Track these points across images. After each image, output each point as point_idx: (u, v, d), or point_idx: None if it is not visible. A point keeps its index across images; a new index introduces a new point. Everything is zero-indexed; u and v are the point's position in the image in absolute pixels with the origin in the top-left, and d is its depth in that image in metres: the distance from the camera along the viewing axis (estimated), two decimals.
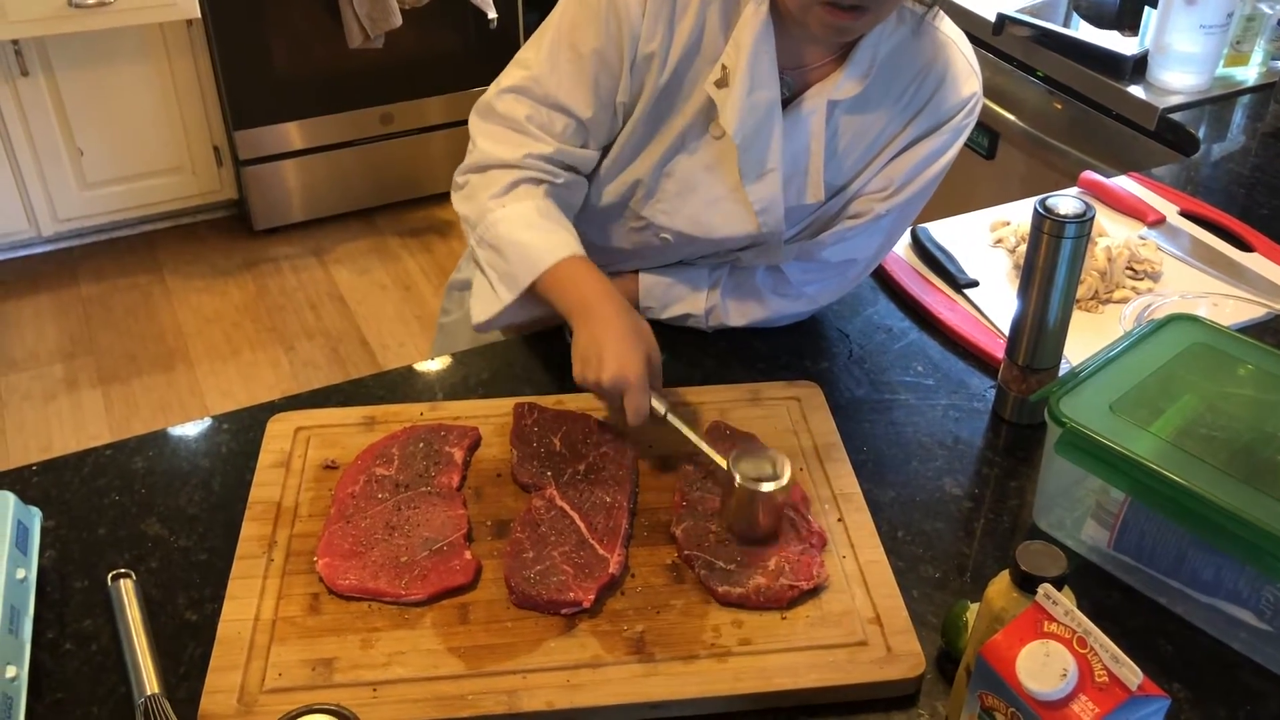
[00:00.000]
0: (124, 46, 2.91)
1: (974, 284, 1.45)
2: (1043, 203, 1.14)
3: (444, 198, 3.44)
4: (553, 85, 1.21)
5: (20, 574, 0.98)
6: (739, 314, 1.34)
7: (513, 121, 1.22)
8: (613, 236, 1.33)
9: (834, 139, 1.23)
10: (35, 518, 1.06)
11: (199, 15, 2.77)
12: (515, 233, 1.19)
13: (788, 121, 1.21)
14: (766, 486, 1.03)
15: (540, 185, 1.22)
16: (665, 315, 1.35)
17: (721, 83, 1.18)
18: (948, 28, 1.24)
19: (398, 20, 2.99)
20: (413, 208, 3.44)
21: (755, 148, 1.21)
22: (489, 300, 1.21)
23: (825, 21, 1.10)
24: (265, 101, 3.10)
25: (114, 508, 1.13)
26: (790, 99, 1.22)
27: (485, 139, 1.24)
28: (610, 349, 1.11)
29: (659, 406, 1.13)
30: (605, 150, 1.28)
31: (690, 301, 1.34)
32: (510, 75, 1.24)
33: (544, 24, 1.24)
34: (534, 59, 1.22)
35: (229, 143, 3.16)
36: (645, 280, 1.35)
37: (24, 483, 1.15)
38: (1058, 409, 1.04)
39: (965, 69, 1.23)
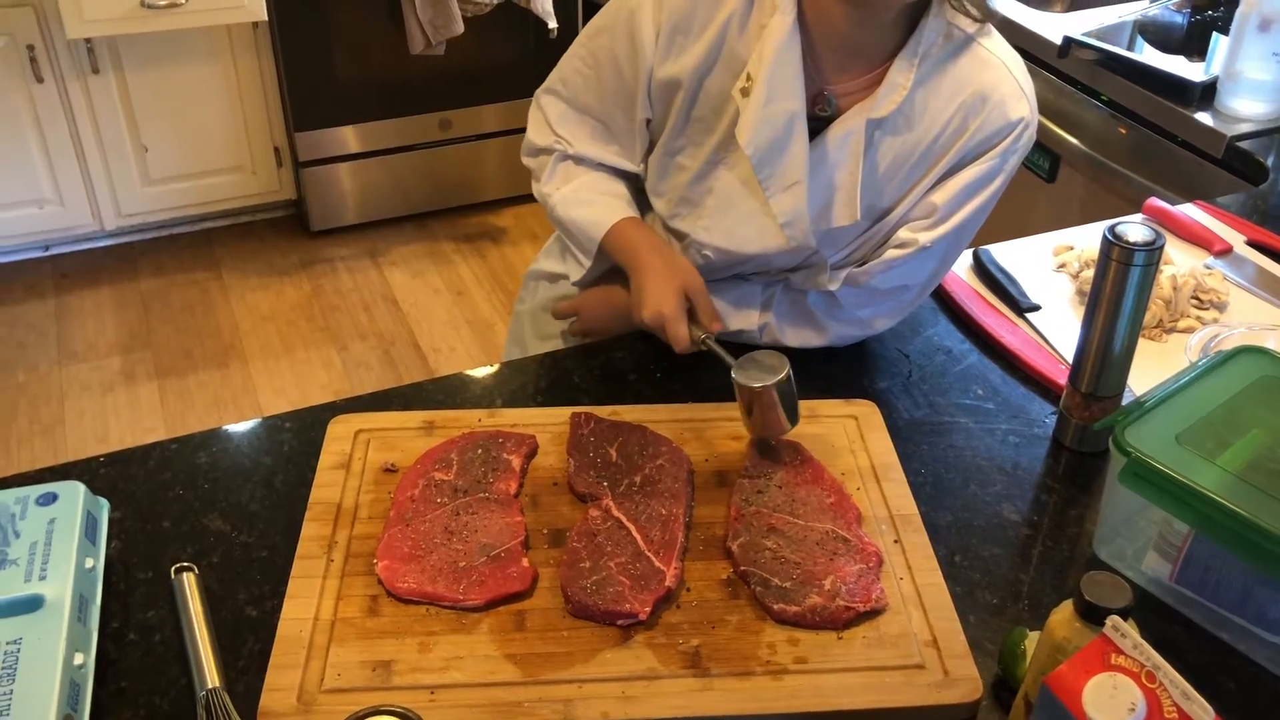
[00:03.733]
0: (192, 46, 2.96)
1: (1036, 308, 1.44)
2: (1112, 229, 1.13)
3: (499, 204, 3.46)
4: (577, 88, 1.31)
5: (89, 563, 1.00)
6: (794, 335, 1.33)
7: (546, 120, 1.34)
8: None
9: (874, 160, 1.21)
10: (104, 509, 1.08)
11: (265, 18, 2.81)
12: (570, 211, 1.31)
13: (825, 140, 1.20)
14: (757, 383, 1.12)
15: (580, 164, 1.33)
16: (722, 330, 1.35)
17: (746, 91, 1.18)
18: (998, 48, 1.20)
19: (460, 28, 3.02)
20: (468, 213, 3.46)
21: (775, 160, 1.20)
22: (576, 266, 1.36)
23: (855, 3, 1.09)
24: (326, 104, 3.14)
25: (178, 501, 1.14)
26: (829, 117, 1.21)
27: (532, 126, 1.36)
28: (648, 289, 1.23)
29: (697, 334, 1.21)
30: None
31: (743, 318, 1.33)
32: (554, 73, 1.34)
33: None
34: (565, 59, 1.32)
35: (289, 144, 3.20)
36: None
37: (92, 473, 1.17)
38: (1123, 438, 1.02)
39: (1014, 92, 1.19)
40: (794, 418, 1.16)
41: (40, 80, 2.86)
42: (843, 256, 1.28)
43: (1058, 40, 2.12)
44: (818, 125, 1.21)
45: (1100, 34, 2.15)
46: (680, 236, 1.32)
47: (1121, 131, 2.08)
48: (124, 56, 2.91)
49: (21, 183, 2.99)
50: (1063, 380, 1.28)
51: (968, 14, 1.17)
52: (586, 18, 3.36)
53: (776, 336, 1.33)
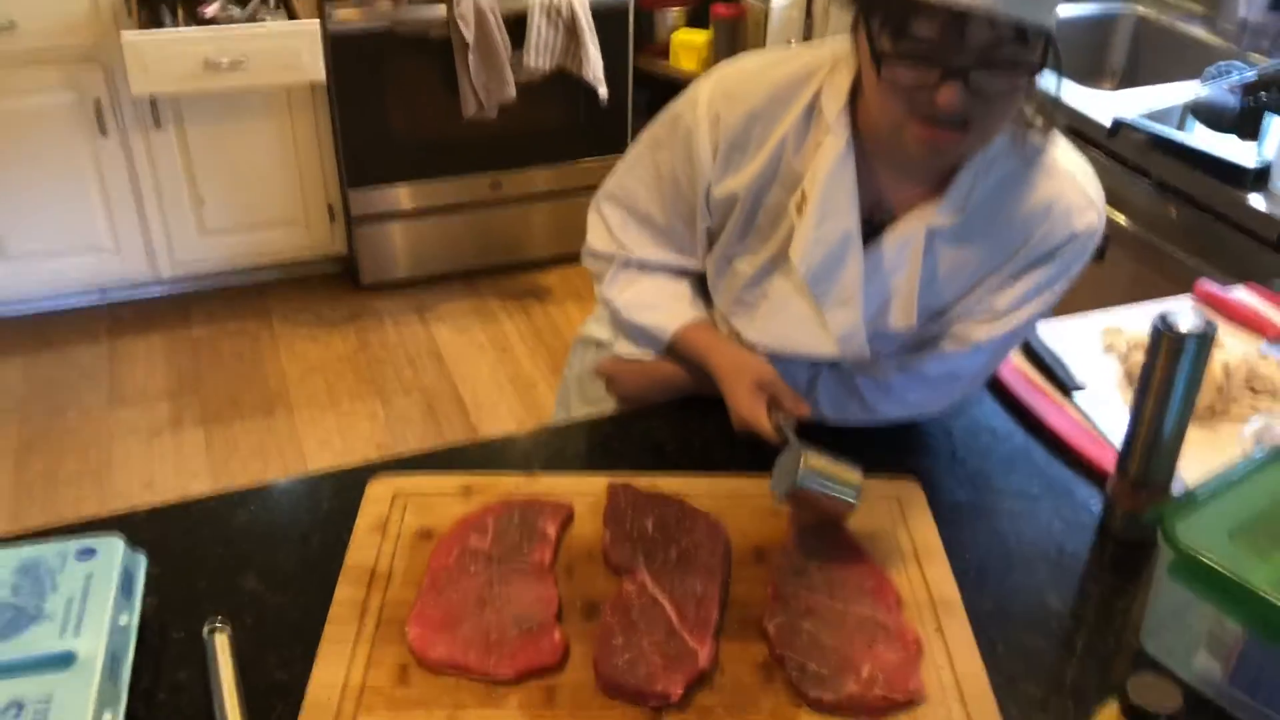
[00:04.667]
0: (251, 104, 3.03)
1: (1082, 389, 1.42)
2: (1163, 318, 1.11)
3: (546, 264, 3.49)
4: (639, 196, 1.33)
5: (123, 620, 1.00)
6: (837, 412, 1.32)
7: (607, 226, 1.36)
8: None
9: (933, 267, 1.20)
10: (141, 564, 1.09)
11: (323, 79, 2.87)
12: (635, 316, 1.34)
13: (884, 245, 1.20)
14: (779, 489, 1.13)
15: (641, 269, 1.35)
16: None
17: (801, 208, 1.19)
18: (1065, 156, 1.19)
19: (512, 93, 3.07)
20: (515, 272, 3.49)
21: (829, 278, 1.20)
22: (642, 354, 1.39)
23: (921, 139, 1.07)
24: (380, 163, 3.20)
25: (214, 559, 1.15)
26: (887, 221, 1.20)
27: (592, 232, 1.39)
28: (729, 397, 1.26)
29: (777, 420, 1.21)
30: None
31: None
32: (612, 176, 1.36)
33: (647, 126, 1.32)
34: (625, 164, 1.35)
35: (343, 200, 3.26)
36: None
37: (133, 527, 1.17)
38: (1173, 532, 1.00)
39: (1081, 202, 1.18)
40: (845, 498, 1.14)
41: (105, 134, 2.94)
42: (895, 348, 1.28)
43: (1107, 121, 2.12)
44: (876, 228, 1.21)
45: (1151, 115, 2.14)
46: (734, 333, 1.32)
47: (1172, 212, 2.06)
48: (186, 112, 2.99)
49: (82, 231, 3.06)
50: (1110, 465, 1.26)
51: (1028, 122, 1.15)
52: (637, 86, 3.41)
53: (822, 413, 1.32)
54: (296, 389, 2.98)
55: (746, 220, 1.26)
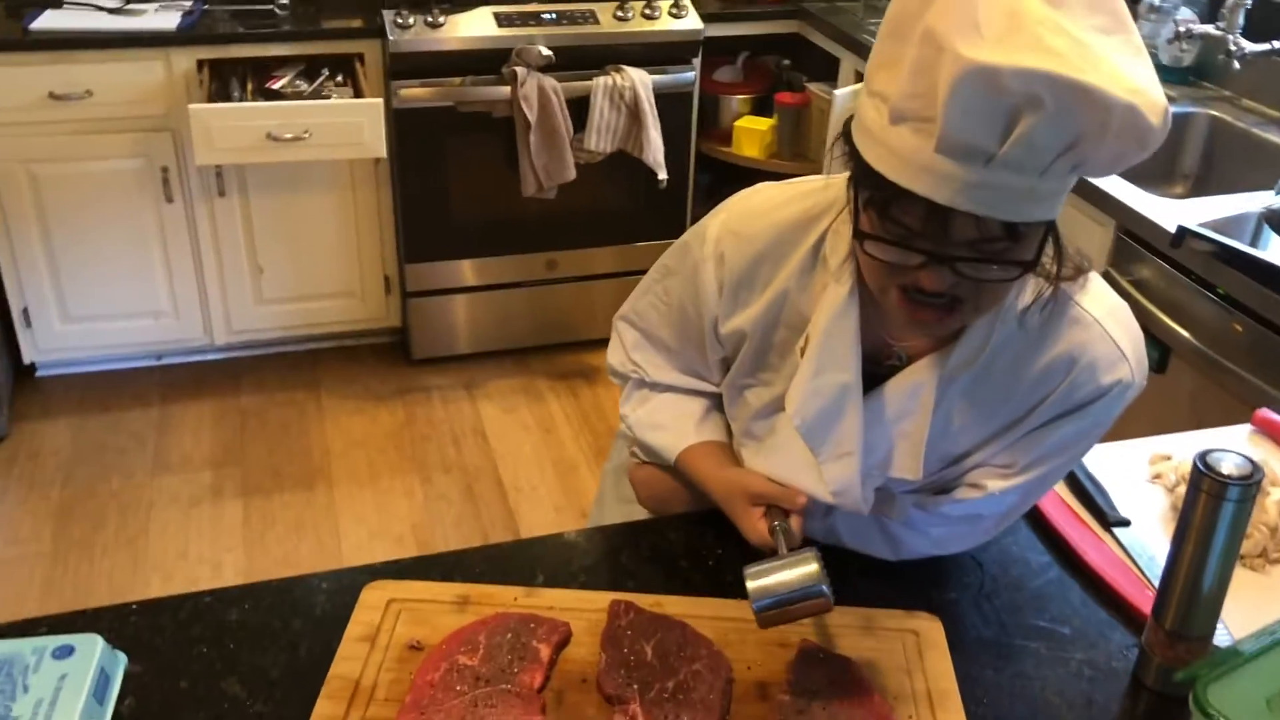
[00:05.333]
0: (313, 176, 3.07)
1: (1125, 523, 1.34)
2: (1203, 457, 1.04)
3: (596, 344, 3.47)
4: (651, 320, 1.34)
5: None
6: (859, 542, 1.25)
7: (623, 346, 1.38)
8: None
9: (946, 416, 1.14)
10: (120, 664, 1.06)
11: (385, 155, 2.91)
12: (645, 435, 1.34)
13: (893, 390, 1.14)
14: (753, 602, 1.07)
15: (657, 385, 1.35)
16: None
17: (805, 353, 1.15)
18: (1095, 304, 1.11)
19: (572, 174, 3.08)
20: (565, 351, 3.48)
21: (825, 430, 1.15)
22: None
23: (903, 313, 1.03)
24: (437, 239, 3.22)
25: (200, 660, 1.12)
26: (899, 365, 1.15)
27: (611, 348, 1.41)
28: (734, 523, 1.23)
29: (772, 521, 1.18)
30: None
31: (804, 523, 1.24)
32: (631, 297, 1.36)
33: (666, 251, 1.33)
34: (641, 286, 1.35)
35: (399, 273, 3.28)
36: None
37: (121, 621, 1.15)
38: (1205, 696, 0.92)
39: (1109, 354, 1.10)
40: (811, 597, 1.08)
41: (170, 200, 3.00)
42: (913, 488, 1.21)
43: (1172, 228, 2.04)
44: (886, 371, 1.16)
45: (1219, 225, 2.06)
46: (741, 462, 1.28)
47: (1237, 328, 1.97)
48: (250, 182, 3.04)
49: (142, 295, 3.11)
50: (1149, 608, 1.17)
51: (1050, 276, 1.07)
52: (699, 170, 3.41)
53: (838, 537, 1.26)
54: (338, 463, 2.98)
55: (756, 355, 1.23)
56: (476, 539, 2.71)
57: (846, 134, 1.01)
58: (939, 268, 0.96)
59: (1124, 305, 1.15)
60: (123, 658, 1.07)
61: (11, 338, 3.08)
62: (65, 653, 1.01)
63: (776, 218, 1.18)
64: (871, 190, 0.97)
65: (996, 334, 1.10)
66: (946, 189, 0.91)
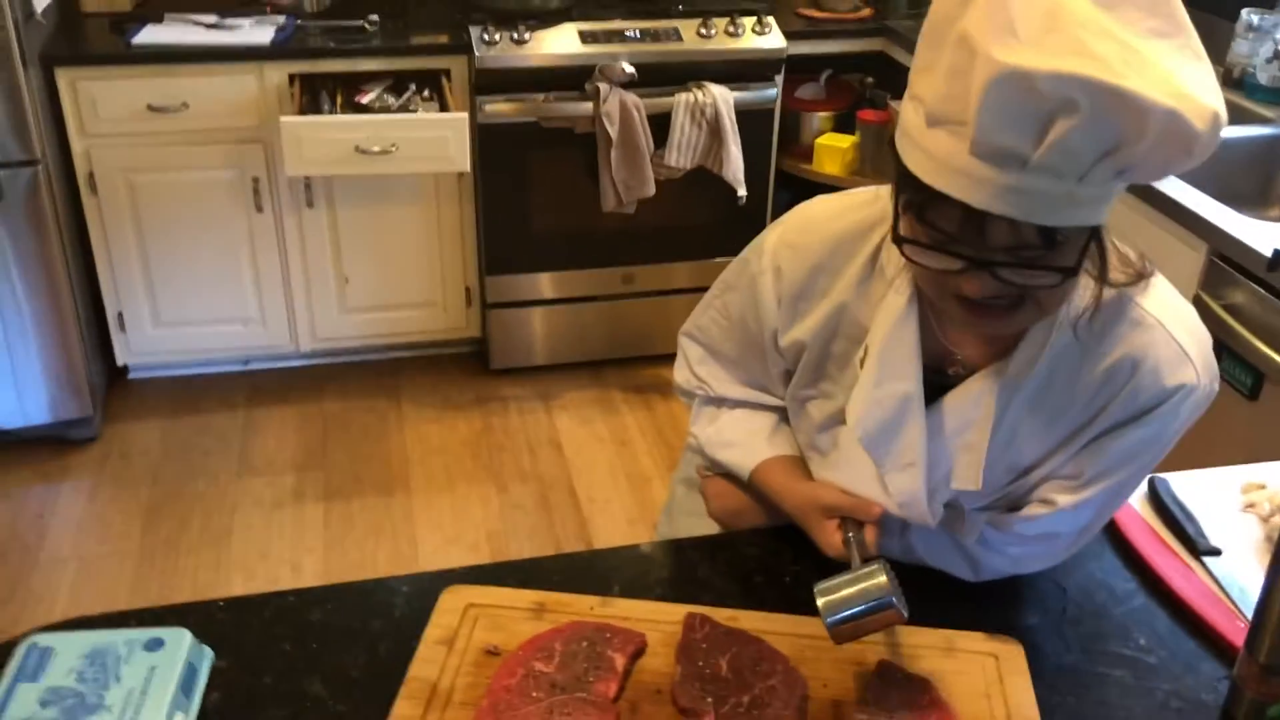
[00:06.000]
0: (398, 189, 3.13)
1: (1215, 552, 1.30)
2: None
3: (671, 358, 3.43)
4: (713, 335, 1.34)
5: (178, 718, 0.99)
6: (938, 561, 1.24)
7: (687, 361, 1.39)
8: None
9: (1010, 423, 1.12)
10: (207, 659, 1.09)
11: (469, 169, 2.95)
12: (717, 454, 1.35)
13: (955, 399, 1.13)
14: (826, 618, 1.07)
15: (724, 401, 1.36)
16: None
17: (865, 364, 1.14)
18: (1157, 305, 1.09)
19: (652, 190, 3.10)
20: (640, 365, 3.49)
21: (888, 442, 1.14)
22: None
23: (958, 318, 1.02)
24: (518, 251, 3.26)
25: (283, 658, 1.14)
26: (962, 375, 1.14)
27: (677, 364, 1.41)
28: (811, 537, 1.23)
29: (847, 533, 1.18)
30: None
31: (882, 539, 1.23)
32: (693, 315, 1.37)
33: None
34: (704, 301, 1.36)
35: (480, 285, 3.32)
36: None
37: (208, 618, 1.18)
38: None
39: (1173, 356, 1.07)
40: (847, 637, 1.09)
41: (260, 210, 3.08)
42: (983, 504, 1.20)
43: (1267, 251, 1.99)
44: (948, 382, 1.15)
45: None
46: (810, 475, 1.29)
47: None
48: (337, 194, 3.10)
49: (231, 301, 3.19)
50: (1240, 640, 1.14)
51: (1110, 283, 1.05)
52: (779, 188, 3.40)
53: (915, 552, 1.25)
54: (417, 470, 3.02)
55: (816, 367, 1.23)
56: (550, 548, 2.73)
57: (890, 139, 1.01)
58: (979, 273, 0.95)
59: (1190, 308, 1.12)
60: (209, 653, 1.10)
61: (106, 341, 3.18)
62: (155, 645, 1.04)
63: (832, 229, 1.19)
64: (910, 194, 0.97)
65: (1055, 338, 1.08)
66: (981, 193, 0.90)
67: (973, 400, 1.12)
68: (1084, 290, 1.06)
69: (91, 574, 2.62)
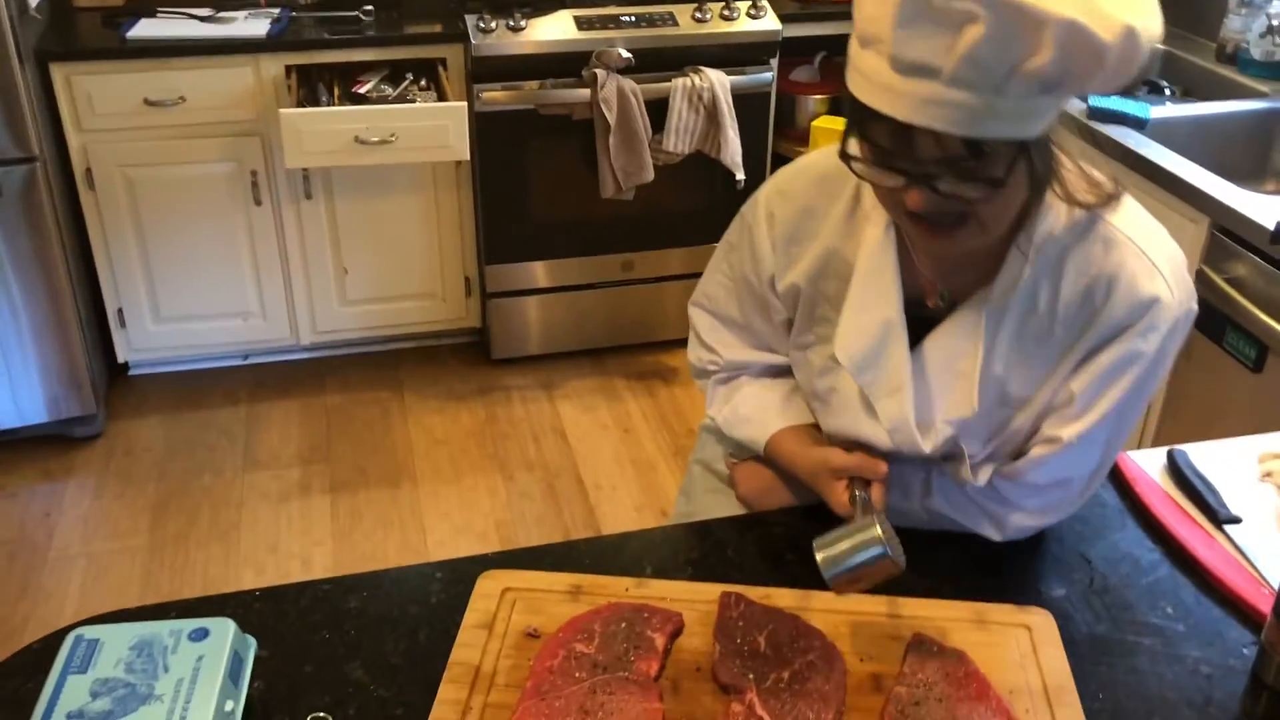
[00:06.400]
0: (396, 179, 3.13)
1: (1236, 520, 1.32)
2: None
3: (673, 344, 3.49)
4: (719, 299, 1.39)
5: (229, 706, 1.00)
6: (964, 523, 1.27)
7: (697, 333, 1.43)
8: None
9: (998, 349, 1.16)
10: (250, 648, 1.10)
11: (468, 158, 2.95)
12: (734, 432, 1.39)
13: (943, 332, 1.17)
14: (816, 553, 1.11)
15: (735, 380, 1.41)
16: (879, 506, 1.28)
17: (849, 293, 1.20)
18: (1128, 223, 1.13)
19: (650, 175, 3.10)
20: (642, 351, 3.50)
21: (874, 367, 1.19)
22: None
23: (914, 236, 1.10)
24: (517, 240, 3.26)
25: (323, 646, 1.15)
26: (948, 310, 1.18)
27: (690, 341, 1.46)
28: (824, 499, 1.26)
29: (856, 491, 1.21)
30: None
31: (902, 491, 1.28)
32: (700, 283, 1.42)
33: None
34: (707, 274, 1.41)
35: (479, 275, 3.32)
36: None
37: (245, 608, 1.19)
38: None
39: (1145, 269, 1.11)
40: (845, 587, 1.12)
41: (259, 203, 3.07)
42: (987, 451, 1.22)
43: (1269, 224, 2.01)
44: (937, 316, 1.19)
45: None
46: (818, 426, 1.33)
47: None
48: (335, 185, 3.10)
49: (231, 296, 3.19)
50: (1265, 606, 1.16)
51: (1077, 201, 1.11)
52: (774, 169, 3.40)
53: (945, 525, 1.27)
54: (422, 461, 3.02)
55: (811, 310, 1.28)
56: (558, 536, 2.74)
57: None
58: (920, 188, 1.00)
59: (1161, 227, 1.16)
60: (252, 641, 1.10)
61: (107, 338, 3.17)
62: (200, 635, 1.04)
63: (816, 172, 1.25)
64: (850, 113, 1.03)
65: (1032, 263, 1.12)
66: (904, 106, 0.96)
67: (961, 331, 1.17)
68: (1055, 212, 1.11)
69: (101, 570, 2.62)
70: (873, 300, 1.18)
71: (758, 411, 1.37)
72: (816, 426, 1.34)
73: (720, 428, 1.41)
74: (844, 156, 1.05)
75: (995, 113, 0.94)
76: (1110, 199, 1.12)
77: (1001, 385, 1.18)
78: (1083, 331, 1.14)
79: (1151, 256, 1.12)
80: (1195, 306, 1.16)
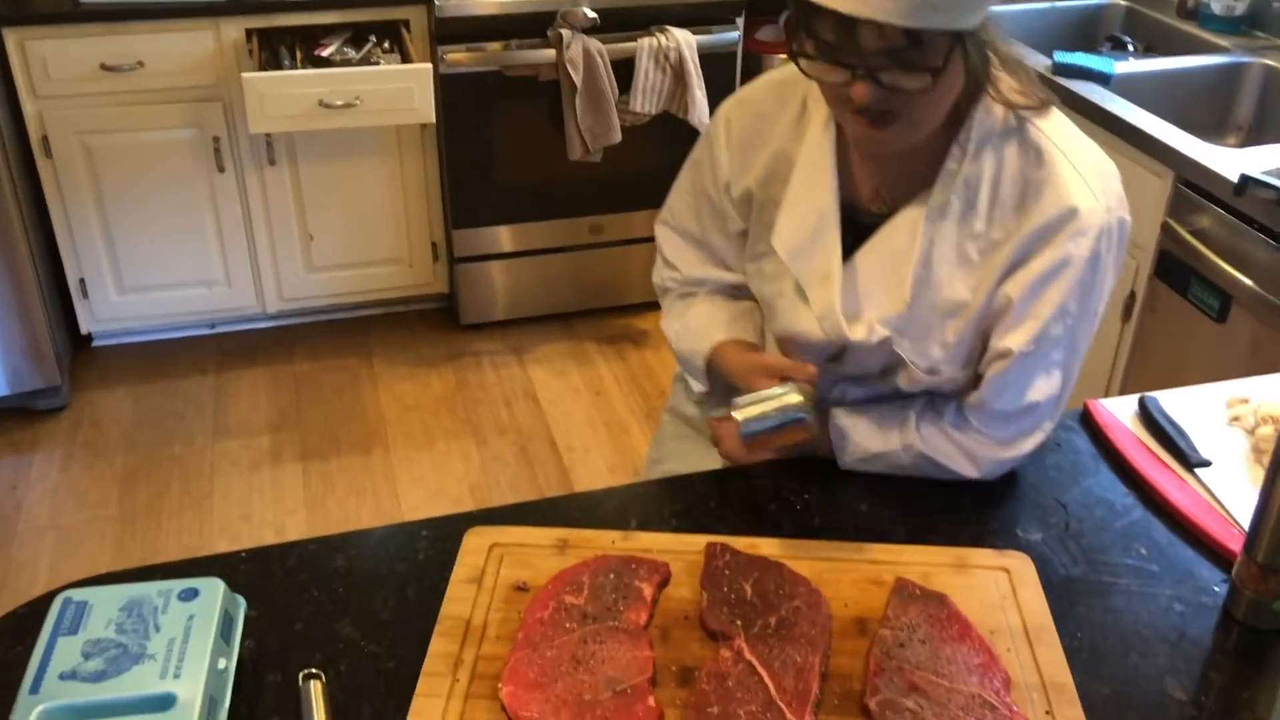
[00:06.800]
0: (361, 144, 3.10)
1: (1206, 464, 1.35)
2: None
3: (643, 307, 3.49)
4: (683, 217, 1.44)
5: (221, 664, 1.01)
6: (941, 460, 1.30)
7: (660, 251, 1.49)
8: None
9: (933, 250, 1.21)
10: (240, 607, 1.10)
11: (434, 120, 2.92)
12: (680, 344, 1.45)
13: (882, 233, 1.23)
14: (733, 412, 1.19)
15: (691, 297, 1.46)
16: (862, 454, 1.32)
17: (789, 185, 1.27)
18: (1058, 133, 1.19)
19: (618, 136, 3.09)
20: (612, 315, 3.50)
21: (809, 256, 1.25)
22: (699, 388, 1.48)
23: (856, 132, 1.15)
24: (484, 204, 3.24)
25: (312, 604, 1.15)
26: (888, 214, 1.24)
27: (655, 266, 1.51)
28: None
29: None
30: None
31: (884, 439, 1.31)
32: (667, 200, 1.47)
33: None
34: (675, 187, 1.46)
35: (446, 240, 3.30)
36: (838, 417, 1.33)
37: (232, 568, 1.19)
38: None
39: (1068, 178, 1.17)
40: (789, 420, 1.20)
41: (222, 170, 3.03)
42: (929, 363, 1.25)
43: (1233, 177, 2.04)
44: (877, 220, 1.24)
45: (1278, 174, 2.05)
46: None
47: None
48: (299, 150, 3.06)
49: (196, 264, 3.15)
50: (1235, 545, 1.19)
51: (1010, 104, 1.17)
52: None
53: (926, 470, 1.30)
54: (393, 427, 3.02)
55: (761, 214, 1.32)
56: (534, 498, 2.74)
57: None
58: (864, 81, 1.07)
59: (1091, 141, 1.22)
60: (242, 601, 1.11)
61: (69, 309, 3.13)
62: (190, 595, 1.04)
63: (771, 78, 1.33)
64: (796, 10, 1.09)
65: (967, 164, 1.18)
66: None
67: (899, 231, 1.22)
68: (992, 116, 1.18)
69: (72, 542, 2.60)
70: (809, 192, 1.25)
71: (705, 325, 1.42)
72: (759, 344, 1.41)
73: (670, 341, 1.48)
74: (792, 54, 1.11)
75: (931, 4, 1.02)
76: (1043, 104, 1.19)
77: (938, 289, 1.22)
78: (1012, 234, 1.19)
79: (1079, 165, 1.18)
80: (1128, 218, 1.21)
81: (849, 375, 1.34)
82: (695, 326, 1.43)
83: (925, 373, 1.26)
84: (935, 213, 1.20)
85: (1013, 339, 1.21)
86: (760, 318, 1.43)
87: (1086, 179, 1.17)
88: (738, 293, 1.45)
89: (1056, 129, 1.20)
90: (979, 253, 1.21)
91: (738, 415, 1.20)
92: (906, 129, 1.13)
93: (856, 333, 1.25)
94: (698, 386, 1.48)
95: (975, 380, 1.28)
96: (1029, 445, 1.30)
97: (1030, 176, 1.18)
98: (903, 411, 1.30)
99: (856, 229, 1.25)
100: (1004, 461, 1.30)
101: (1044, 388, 1.24)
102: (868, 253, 1.25)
